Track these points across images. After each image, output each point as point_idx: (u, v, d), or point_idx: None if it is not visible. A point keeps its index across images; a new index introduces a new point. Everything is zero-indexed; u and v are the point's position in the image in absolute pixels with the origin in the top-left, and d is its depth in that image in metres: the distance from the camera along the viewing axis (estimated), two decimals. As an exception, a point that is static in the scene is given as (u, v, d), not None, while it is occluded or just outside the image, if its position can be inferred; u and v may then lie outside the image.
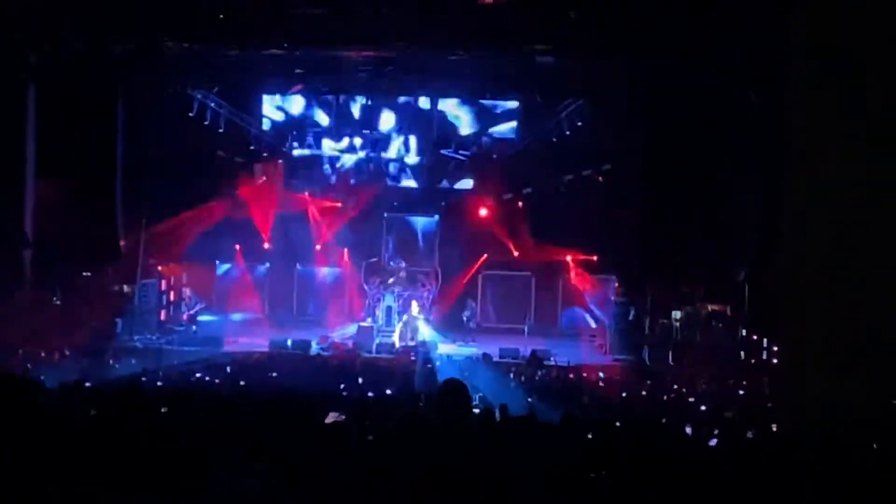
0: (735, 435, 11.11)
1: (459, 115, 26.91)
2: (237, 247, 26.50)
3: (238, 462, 5.14)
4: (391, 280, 25.79)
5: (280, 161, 27.02)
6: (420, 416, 6.22)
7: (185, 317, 24.99)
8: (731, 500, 5.56)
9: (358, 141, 27.21)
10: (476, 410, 9.42)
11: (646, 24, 19.72)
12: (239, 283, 26.93)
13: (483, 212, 26.60)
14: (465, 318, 25.45)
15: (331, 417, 7.70)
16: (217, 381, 17.16)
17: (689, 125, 23.69)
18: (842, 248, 12.04)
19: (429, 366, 20.40)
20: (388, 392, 15.60)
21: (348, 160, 27.35)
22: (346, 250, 26.78)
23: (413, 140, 27.08)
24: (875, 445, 8.83)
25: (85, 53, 22.46)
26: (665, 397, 17.57)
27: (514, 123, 26.90)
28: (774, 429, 12.28)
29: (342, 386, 16.32)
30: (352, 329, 24.67)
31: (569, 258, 26.25)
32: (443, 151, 26.99)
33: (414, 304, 24.89)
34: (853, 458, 7.48)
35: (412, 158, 27.17)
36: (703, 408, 15.59)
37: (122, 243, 24.77)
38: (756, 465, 6.80)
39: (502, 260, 26.79)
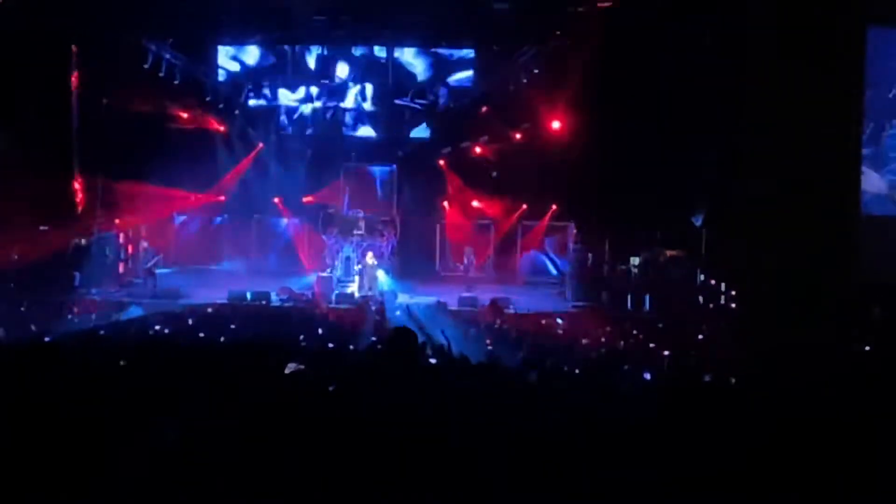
0: (693, 379, 11.17)
1: (415, 63, 26.84)
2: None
3: (196, 413, 5.13)
4: (350, 230, 25.72)
5: (234, 111, 26.90)
6: (375, 364, 6.25)
7: (142, 272, 24.90)
8: (685, 441, 5.58)
9: (314, 90, 27.12)
10: (433, 361, 9.46)
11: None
12: (197, 234, 26.92)
13: (440, 162, 26.64)
14: (464, 266, 25.84)
15: (290, 367, 7.69)
16: (173, 331, 17.16)
17: (646, 72, 23.67)
18: (795, 193, 12.12)
19: (387, 315, 20.46)
20: (348, 344, 15.62)
21: (305, 110, 27.25)
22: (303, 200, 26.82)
23: (369, 89, 27.04)
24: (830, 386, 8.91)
25: (43, 6, 22.27)
26: (624, 343, 17.65)
27: (470, 72, 26.87)
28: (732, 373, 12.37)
29: (302, 337, 16.33)
30: (311, 279, 24.67)
31: (525, 206, 26.37)
32: (398, 101, 26.96)
33: (370, 254, 24.83)
34: (809, 399, 7.54)
35: (368, 107, 27.09)
36: (664, 353, 15.67)
37: (77, 192, 24.65)
38: (713, 409, 6.85)
39: (464, 209, 26.86)
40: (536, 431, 5.32)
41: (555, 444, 5.05)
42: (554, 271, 26.31)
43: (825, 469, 4.56)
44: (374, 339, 15.57)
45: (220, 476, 4.19)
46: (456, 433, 4.92)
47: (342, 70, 26.98)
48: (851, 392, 8.03)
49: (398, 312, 21.05)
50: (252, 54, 27.06)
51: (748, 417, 5.84)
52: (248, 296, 22.89)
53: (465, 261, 25.88)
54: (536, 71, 25.50)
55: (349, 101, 27.08)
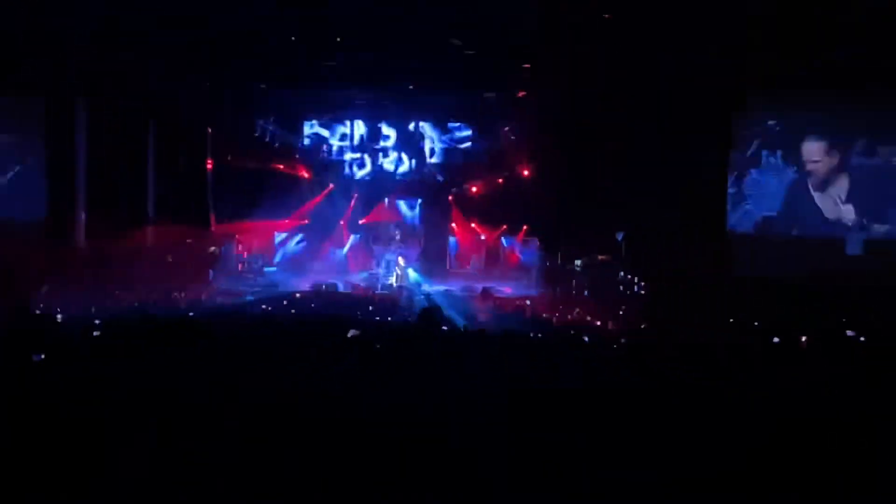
0: (615, 341, 11.23)
1: (433, 134, 26.90)
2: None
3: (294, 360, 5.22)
4: (390, 243, 25.90)
5: (314, 164, 27.03)
6: (407, 329, 6.34)
7: (254, 270, 25.12)
8: (607, 378, 5.65)
9: (367, 156, 27.25)
10: (444, 328, 9.55)
11: (554, 72, 19.86)
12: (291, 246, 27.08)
13: (449, 198, 26.75)
14: (469, 267, 26.14)
15: (351, 332, 7.77)
16: (274, 310, 17.31)
17: (588, 134, 23.82)
18: (684, 217, 12.18)
19: (414, 298, 20.63)
20: (388, 317, 15.72)
21: (362, 164, 27.33)
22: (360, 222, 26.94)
23: (404, 153, 27.10)
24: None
25: (188, 96, 22.53)
26: (570, 317, 17.72)
27: (469, 144, 26.91)
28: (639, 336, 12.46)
29: (358, 312, 16.42)
30: (364, 275, 24.74)
31: (505, 226, 26.47)
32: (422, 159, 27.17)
33: (401, 258, 25.04)
34: (696, 358, 7.62)
35: (404, 166, 27.17)
36: (597, 323, 15.73)
37: (212, 220, 24.82)
38: (628, 360, 6.93)
39: (466, 228, 26.95)
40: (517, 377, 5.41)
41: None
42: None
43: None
44: (405, 314, 15.66)
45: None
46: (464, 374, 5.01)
47: (386, 140, 27.03)
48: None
49: (422, 297, 21.22)
50: (325, 127, 27.13)
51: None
52: (323, 286, 23.03)
53: (470, 264, 26.08)
54: (513, 138, 25.65)
55: (391, 158, 27.12)
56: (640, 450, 3.72)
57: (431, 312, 6.82)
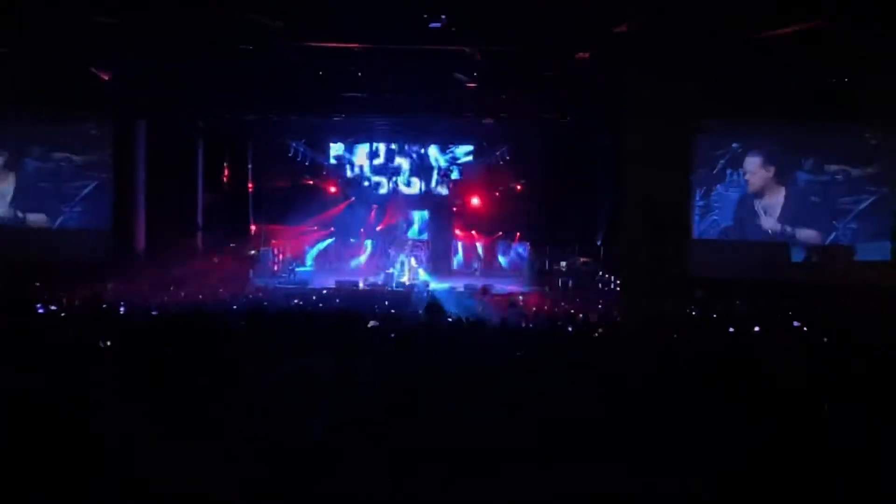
0: (594, 330, 11.21)
1: (440, 157, 26.99)
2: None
3: (319, 346, 5.21)
4: (403, 247, 25.91)
5: (338, 179, 27.07)
6: (417, 321, 6.33)
7: (287, 270, 25.12)
8: (588, 367, 5.63)
9: (384, 175, 27.31)
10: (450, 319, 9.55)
11: (541, 100, 19.91)
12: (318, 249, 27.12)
13: (453, 209, 26.80)
14: (474, 268, 26.26)
15: (371, 323, 7.77)
16: (305, 303, 17.29)
17: (569, 156, 24.05)
18: (651, 227, 12.14)
19: (423, 294, 20.61)
20: (401, 310, 15.70)
21: (379, 180, 27.40)
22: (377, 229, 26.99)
23: (415, 174, 27.18)
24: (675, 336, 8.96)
25: (231, 121, 22.63)
26: (556, 310, 17.69)
27: (470, 158, 26.97)
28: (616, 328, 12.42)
29: (376, 307, 16.41)
30: (382, 276, 24.78)
31: (500, 233, 26.48)
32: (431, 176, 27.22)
33: (413, 259, 25.04)
34: (663, 345, 7.60)
35: (415, 182, 27.22)
36: (580, 316, 15.69)
37: (252, 227, 24.87)
38: (604, 350, 6.91)
39: (467, 234, 26.96)
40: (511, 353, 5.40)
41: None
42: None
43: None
44: (416, 308, 15.65)
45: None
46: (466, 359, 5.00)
47: (400, 159, 27.05)
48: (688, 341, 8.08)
49: (429, 292, 21.22)
50: (348, 148, 27.25)
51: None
52: (346, 283, 22.99)
53: (471, 265, 26.18)
54: (507, 158, 25.70)
55: (404, 175, 27.17)
56: (612, 429, 3.71)
57: (436, 306, 6.83)
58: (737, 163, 20.21)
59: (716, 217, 20.37)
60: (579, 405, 3.97)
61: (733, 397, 3.92)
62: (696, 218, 20.37)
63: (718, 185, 20.29)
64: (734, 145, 20.17)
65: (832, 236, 19.50)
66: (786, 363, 5.64)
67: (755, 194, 20.04)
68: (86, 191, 21.37)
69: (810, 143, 19.69)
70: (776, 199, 19.89)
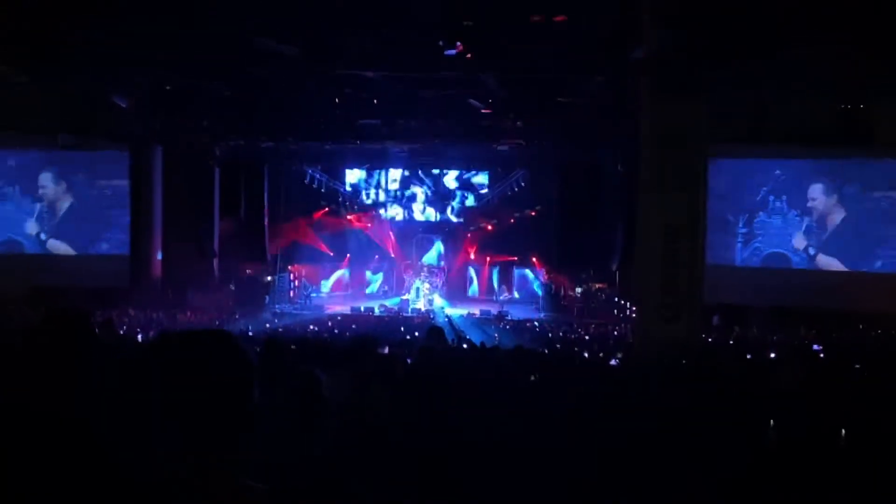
0: (610, 356, 11.19)
1: (454, 183, 27.10)
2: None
3: (333, 372, 5.23)
4: (419, 273, 25.94)
5: (355, 206, 27.18)
6: (430, 347, 6.35)
7: (303, 296, 25.19)
8: (602, 390, 5.64)
9: (400, 203, 27.47)
10: (465, 346, 9.57)
11: (556, 128, 19.98)
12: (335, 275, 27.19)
13: (468, 235, 26.86)
14: (497, 296, 25.80)
15: (385, 349, 7.80)
16: (320, 329, 17.32)
17: (584, 182, 24.07)
18: (666, 252, 12.13)
19: (439, 320, 20.62)
20: (416, 334, 15.69)
21: (395, 206, 27.51)
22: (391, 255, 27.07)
23: (431, 199, 27.29)
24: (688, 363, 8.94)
25: (246, 150, 22.84)
26: (573, 336, 17.65)
27: (486, 184, 27.04)
28: (633, 354, 12.39)
29: (392, 332, 16.43)
30: (396, 300, 24.82)
31: (516, 258, 26.47)
32: (446, 202, 27.32)
33: (427, 284, 25.19)
34: (677, 372, 7.59)
35: (430, 209, 27.34)
36: (595, 341, 15.66)
37: (268, 254, 24.99)
38: (620, 375, 6.92)
39: (483, 260, 26.97)
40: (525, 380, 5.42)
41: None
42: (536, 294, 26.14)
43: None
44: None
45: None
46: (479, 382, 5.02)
47: (416, 186, 27.19)
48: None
49: (444, 318, 21.21)
50: (364, 174, 27.37)
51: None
52: (362, 308, 23.07)
53: (497, 292, 25.97)
54: (523, 184, 25.78)
55: (419, 202, 27.28)
56: (626, 457, 3.73)
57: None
58: (780, 190, 19.96)
59: (758, 244, 20.19)
60: (593, 431, 3.99)
61: (744, 424, 3.94)
62: (739, 245, 20.25)
63: (761, 212, 20.10)
64: (777, 172, 19.92)
65: (878, 265, 19.12)
66: (801, 390, 5.64)
67: (812, 221, 19.74)
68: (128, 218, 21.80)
69: (853, 169, 19.36)
70: (826, 225, 19.64)
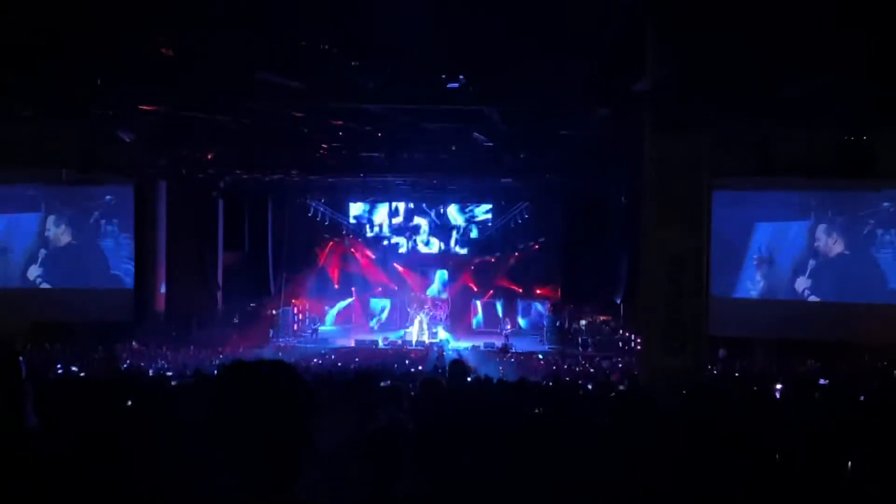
0: (614, 388, 11.13)
1: (457, 216, 27.17)
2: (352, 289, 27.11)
3: (337, 408, 5.22)
4: (423, 305, 25.92)
5: (358, 239, 27.23)
6: (437, 381, 6.33)
7: (308, 329, 25.18)
8: (605, 422, 5.61)
9: (403, 236, 27.52)
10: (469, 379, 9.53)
11: (560, 160, 20.03)
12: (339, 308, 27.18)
13: (471, 268, 26.87)
14: (501, 328, 25.20)
15: (387, 383, 7.78)
16: (324, 363, 17.30)
17: (587, 214, 24.04)
18: (671, 284, 12.10)
19: (444, 353, 20.54)
20: (420, 368, 15.67)
21: (399, 239, 27.56)
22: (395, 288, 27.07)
23: (434, 231, 27.37)
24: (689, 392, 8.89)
25: (250, 182, 22.96)
26: (577, 368, 17.60)
27: (489, 216, 27.09)
28: (638, 384, 12.32)
29: (395, 364, 16.41)
30: (400, 333, 24.77)
31: (520, 290, 26.45)
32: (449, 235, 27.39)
33: (431, 318, 25.38)
34: (683, 403, 7.54)
35: (434, 241, 27.40)
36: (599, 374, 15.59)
37: (272, 287, 25.02)
38: (625, 405, 6.87)
39: (486, 291, 26.94)
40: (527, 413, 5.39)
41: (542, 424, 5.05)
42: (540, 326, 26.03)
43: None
44: (436, 366, 15.58)
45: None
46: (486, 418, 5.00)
47: (419, 219, 27.27)
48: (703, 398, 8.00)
49: (450, 351, 21.15)
50: (368, 207, 27.49)
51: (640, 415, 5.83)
52: (366, 341, 23.01)
53: (502, 326, 25.49)
54: (526, 216, 25.83)
55: (423, 234, 27.33)
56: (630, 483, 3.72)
57: (461, 365, 6.85)
58: (784, 227, 19.83)
59: (763, 278, 20.01)
60: (596, 464, 3.98)
61: (749, 457, 3.92)
62: (744, 277, 20.05)
63: (765, 246, 19.94)
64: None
65: (883, 296, 18.85)
66: (808, 425, 5.60)
67: (816, 258, 19.53)
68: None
69: (855, 200, 19.28)
70: (830, 259, 19.48)
